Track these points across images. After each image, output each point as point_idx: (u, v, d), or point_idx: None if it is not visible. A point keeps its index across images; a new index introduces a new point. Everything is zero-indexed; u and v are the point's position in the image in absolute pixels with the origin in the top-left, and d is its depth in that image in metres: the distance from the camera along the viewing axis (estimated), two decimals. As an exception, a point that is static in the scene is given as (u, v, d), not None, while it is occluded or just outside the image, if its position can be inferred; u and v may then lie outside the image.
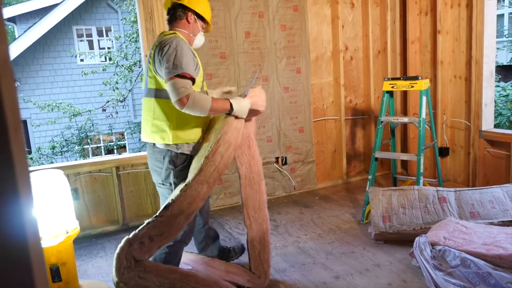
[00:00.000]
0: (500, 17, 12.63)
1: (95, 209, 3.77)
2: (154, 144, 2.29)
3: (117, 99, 8.79)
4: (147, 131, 2.29)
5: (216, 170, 2.08)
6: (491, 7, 3.83)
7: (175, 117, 2.20)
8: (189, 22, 2.31)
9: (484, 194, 3.14)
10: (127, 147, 11.43)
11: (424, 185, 3.52)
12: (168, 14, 2.34)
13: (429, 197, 3.17)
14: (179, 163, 2.27)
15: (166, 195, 2.34)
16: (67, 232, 2.24)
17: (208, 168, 2.07)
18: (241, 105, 2.21)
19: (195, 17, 2.32)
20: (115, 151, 11.14)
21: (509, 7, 12.82)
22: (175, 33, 2.25)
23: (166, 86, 2.11)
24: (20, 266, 0.37)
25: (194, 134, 2.27)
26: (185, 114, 2.15)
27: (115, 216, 3.81)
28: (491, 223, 2.92)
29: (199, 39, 2.40)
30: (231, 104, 2.20)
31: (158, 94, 2.21)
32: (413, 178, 3.77)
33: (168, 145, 2.23)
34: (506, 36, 12.23)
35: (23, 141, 0.39)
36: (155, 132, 2.23)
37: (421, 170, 3.44)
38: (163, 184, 2.35)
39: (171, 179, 2.30)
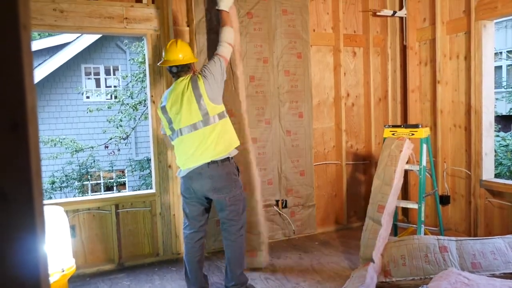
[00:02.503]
0: (498, 68, 12.95)
1: (91, 247, 3.72)
2: (219, 161, 2.75)
3: (120, 137, 8.87)
4: (221, 150, 2.76)
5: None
6: (489, 60, 3.96)
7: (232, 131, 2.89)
8: (194, 69, 2.99)
9: (486, 244, 3.10)
10: (126, 184, 11.40)
11: (425, 233, 3.49)
12: (176, 68, 2.88)
13: (429, 246, 3.13)
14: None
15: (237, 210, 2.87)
16: (63, 271, 2.21)
17: None
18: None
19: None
20: (115, 188, 11.09)
21: (507, 60, 13.18)
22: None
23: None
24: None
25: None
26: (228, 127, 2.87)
27: (111, 255, 3.75)
28: (493, 275, 2.86)
29: None
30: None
31: (217, 118, 2.78)
32: (414, 226, 3.74)
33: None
34: (505, 87, 12.48)
35: (42, 181, 0.41)
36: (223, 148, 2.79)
37: (422, 218, 3.42)
38: (238, 195, 2.86)
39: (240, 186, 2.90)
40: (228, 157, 2.81)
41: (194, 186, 2.80)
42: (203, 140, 2.73)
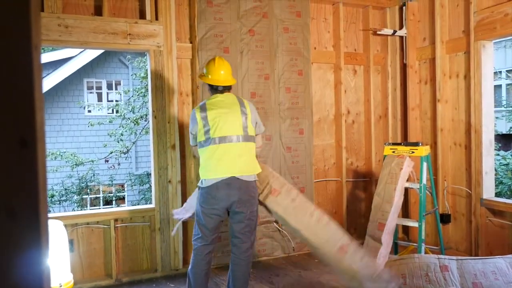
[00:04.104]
0: (498, 87, 13.02)
1: (89, 262, 3.69)
2: (251, 181, 2.91)
3: (120, 151, 8.87)
4: (250, 167, 2.90)
5: None
6: (488, 79, 3.99)
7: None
8: None
9: (487, 264, 3.08)
10: (126, 199, 11.36)
11: (426, 252, 3.46)
12: (225, 86, 3.03)
13: (430, 265, 3.11)
14: None
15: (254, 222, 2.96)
16: (61, 286, 2.19)
17: None
18: None
19: None
20: (114, 202, 11.04)
21: (506, 79, 13.27)
22: None
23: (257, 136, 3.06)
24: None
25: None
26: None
27: (109, 271, 3.72)
28: (495, 296, 2.83)
29: None
30: None
31: (253, 139, 2.97)
32: (415, 244, 3.72)
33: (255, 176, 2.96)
34: (504, 106, 12.53)
35: (47, 197, 0.41)
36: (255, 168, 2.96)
37: (423, 237, 3.40)
38: (255, 212, 2.94)
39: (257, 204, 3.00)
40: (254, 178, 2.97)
41: (220, 196, 2.82)
42: (239, 154, 2.86)
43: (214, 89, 3.01)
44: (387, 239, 3.31)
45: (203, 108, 2.94)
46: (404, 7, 4.69)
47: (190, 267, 2.96)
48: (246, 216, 2.87)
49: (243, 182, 2.84)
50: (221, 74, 2.99)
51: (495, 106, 4.73)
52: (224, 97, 2.98)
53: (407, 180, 3.58)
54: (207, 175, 2.86)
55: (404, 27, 4.70)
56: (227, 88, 3.02)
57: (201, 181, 2.90)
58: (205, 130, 2.89)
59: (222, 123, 2.86)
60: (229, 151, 2.84)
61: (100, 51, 10.77)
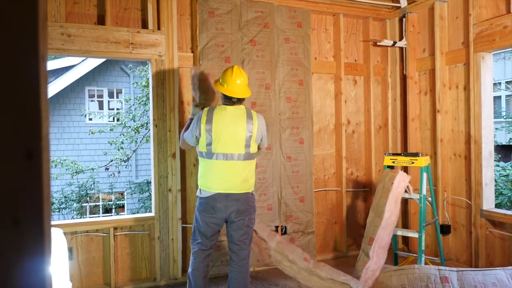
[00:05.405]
0: (497, 98, 13.06)
1: (88, 270, 3.68)
2: (249, 193, 2.98)
3: (121, 159, 8.88)
4: (248, 184, 2.94)
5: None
6: (488, 90, 4.01)
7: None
8: None
9: (487, 276, 3.06)
10: (125, 207, 11.34)
11: (426, 263, 3.45)
12: (238, 98, 2.98)
13: (430, 276, 3.09)
14: None
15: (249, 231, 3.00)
16: (59, 294, 2.18)
17: None
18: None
19: None
20: (113, 210, 11.02)
21: (505, 90, 13.32)
22: None
23: (259, 148, 3.07)
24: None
25: None
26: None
27: (108, 280, 3.71)
28: (496, 308, 2.81)
29: None
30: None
31: (254, 157, 2.97)
32: (415, 255, 3.71)
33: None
34: (504, 117, 12.56)
35: (50, 206, 0.42)
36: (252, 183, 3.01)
37: (422, 248, 3.39)
38: (253, 219, 3.01)
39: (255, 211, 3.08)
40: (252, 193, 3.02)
41: (218, 207, 2.85)
42: (238, 173, 2.87)
43: (228, 99, 2.94)
44: (377, 253, 3.29)
45: (210, 119, 2.88)
46: (404, 19, 4.73)
47: (190, 269, 2.99)
48: (245, 223, 2.90)
49: (241, 194, 2.89)
50: (237, 84, 2.91)
51: (495, 117, 4.75)
52: (234, 109, 2.92)
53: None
54: (206, 186, 2.89)
55: (404, 38, 4.74)
56: (240, 100, 2.96)
57: (200, 191, 2.93)
58: (207, 142, 2.88)
59: (225, 139, 2.85)
60: (229, 168, 2.86)
61: (102, 60, 10.84)
